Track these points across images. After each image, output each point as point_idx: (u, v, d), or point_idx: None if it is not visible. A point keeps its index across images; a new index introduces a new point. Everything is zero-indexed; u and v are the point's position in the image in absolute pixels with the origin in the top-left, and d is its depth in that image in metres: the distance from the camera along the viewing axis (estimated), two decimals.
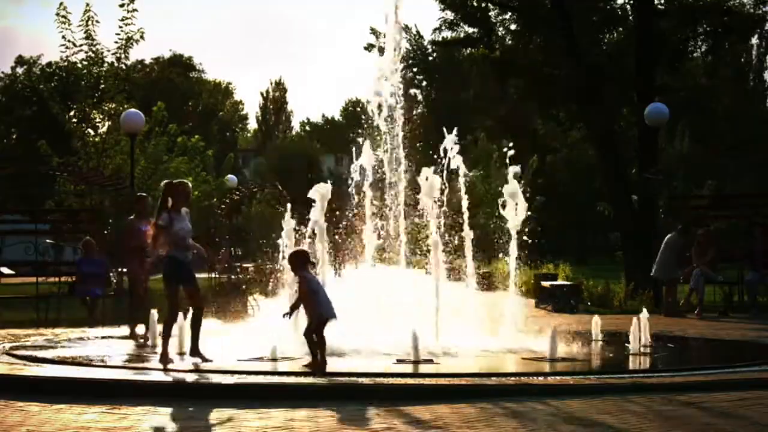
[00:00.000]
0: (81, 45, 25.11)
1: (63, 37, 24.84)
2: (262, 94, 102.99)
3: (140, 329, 13.38)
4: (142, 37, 25.01)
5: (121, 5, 24.74)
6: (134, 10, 24.76)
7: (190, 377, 9.33)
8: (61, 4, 24.69)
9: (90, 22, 24.84)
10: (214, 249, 21.21)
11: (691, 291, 18.77)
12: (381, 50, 14.15)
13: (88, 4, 24.82)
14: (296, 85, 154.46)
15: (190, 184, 10.85)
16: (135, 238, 13.58)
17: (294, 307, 10.12)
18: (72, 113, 26.76)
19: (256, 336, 12.23)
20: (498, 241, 13.06)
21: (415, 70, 57.60)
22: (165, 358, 10.01)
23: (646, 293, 19.91)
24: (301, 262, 10.26)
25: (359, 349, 10.97)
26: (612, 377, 9.24)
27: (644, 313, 11.72)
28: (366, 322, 11.47)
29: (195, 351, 10.31)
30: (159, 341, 10.54)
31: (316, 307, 9.89)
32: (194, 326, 10.40)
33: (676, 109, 29.18)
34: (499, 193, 12.73)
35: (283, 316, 10.08)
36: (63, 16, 24.64)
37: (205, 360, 10.17)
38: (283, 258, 12.09)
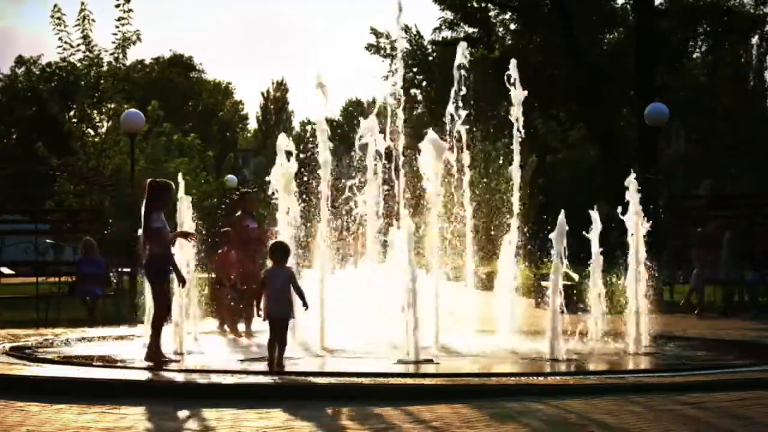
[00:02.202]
0: (78, 45, 25.13)
1: (60, 38, 24.87)
2: (262, 94, 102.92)
3: (241, 326, 13.43)
4: (138, 38, 25.01)
5: (117, 5, 24.74)
6: (129, 10, 24.75)
7: (190, 377, 9.32)
8: (55, 6, 24.70)
9: (86, 22, 24.84)
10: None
11: (691, 291, 18.77)
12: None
13: (83, 3, 24.85)
14: (296, 85, 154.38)
15: (173, 183, 10.73)
16: (245, 234, 13.57)
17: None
18: (71, 113, 26.75)
19: (257, 336, 12.26)
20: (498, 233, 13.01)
21: (415, 70, 57.51)
22: (158, 356, 9.99)
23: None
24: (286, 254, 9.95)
25: (359, 348, 10.97)
26: (612, 377, 9.23)
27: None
28: (366, 322, 11.48)
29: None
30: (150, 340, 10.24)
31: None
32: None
33: (676, 109, 29.18)
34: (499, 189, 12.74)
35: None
36: (58, 18, 24.63)
37: (169, 360, 10.07)
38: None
